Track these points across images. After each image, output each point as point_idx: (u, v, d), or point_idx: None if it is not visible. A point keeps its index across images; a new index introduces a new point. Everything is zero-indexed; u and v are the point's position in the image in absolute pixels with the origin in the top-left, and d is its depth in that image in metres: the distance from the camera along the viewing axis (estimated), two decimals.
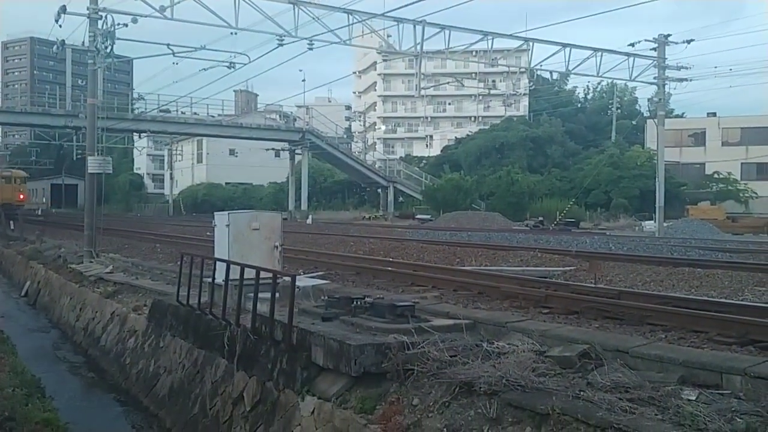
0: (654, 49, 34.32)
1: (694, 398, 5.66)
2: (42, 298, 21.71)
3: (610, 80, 62.10)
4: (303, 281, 10.98)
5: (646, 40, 34.21)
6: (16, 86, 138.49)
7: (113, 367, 13.60)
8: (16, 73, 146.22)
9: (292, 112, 72.09)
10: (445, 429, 6.19)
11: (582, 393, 5.81)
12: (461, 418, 6.18)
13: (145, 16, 23.10)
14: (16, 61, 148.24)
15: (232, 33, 25.97)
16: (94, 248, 21.48)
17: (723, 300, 10.47)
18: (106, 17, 21.74)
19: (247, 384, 8.94)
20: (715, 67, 50.90)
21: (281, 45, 26.09)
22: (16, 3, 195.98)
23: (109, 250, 22.77)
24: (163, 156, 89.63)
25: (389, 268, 15.56)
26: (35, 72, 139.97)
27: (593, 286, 12.00)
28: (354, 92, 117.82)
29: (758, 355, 6.91)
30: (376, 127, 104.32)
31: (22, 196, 54.89)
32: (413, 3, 21.63)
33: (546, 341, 7.64)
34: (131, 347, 13.26)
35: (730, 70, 45.81)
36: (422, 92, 60.60)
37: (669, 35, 34.33)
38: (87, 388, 13.31)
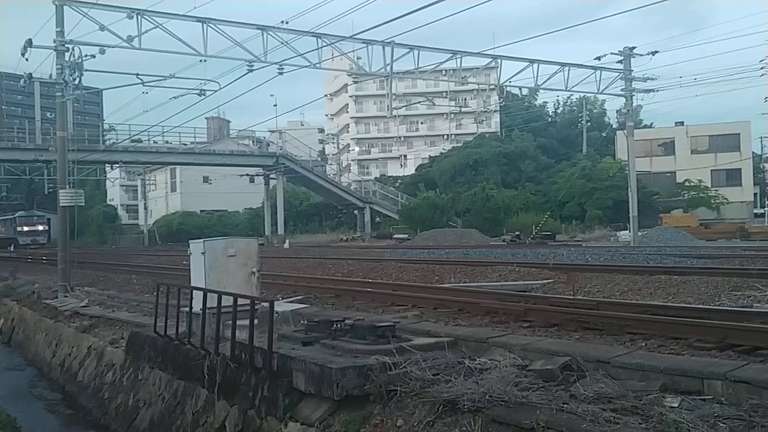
0: (620, 61, 34.84)
1: (676, 405, 5.68)
2: (16, 335, 21.30)
3: (578, 94, 62.89)
4: (282, 306, 10.89)
5: (612, 54, 34.77)
6: None
7: (91, 403, 13.34)
8: None
9: (264, 137, 72.04)
10: None
11: (566, 405, 5.80)
12: None
13: (113, 47, 22.92)
14: None
15: (201, 60, 25.91)
16: (69, 282, 21.16)
17: (700, 306, 10.57)
18: (73, 49, 21.56)
19: (229, 413, 8.82)
20: (680, 77, 51.95)
21: (251, 70, 26.03)
22: None
23: (84, 283, 22.44)
24: (137, 186, 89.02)
25: (368, 289, 15.51)
26: (3, 107, 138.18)
27: (572, 297, 12.05)
28: (326, 115, 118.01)
29: (738, 359, 6.97)
30: (350, 148, 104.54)
31: None
32: (381, 24, 21.72)
33: (527, 355, 7.63)
34: (109, 381, 13.03)
35: (695, 79, 46.78)
36: (394, 112, 61.00)
37: (634, 48, 34.90)
38: (65, 426, 13.04)
